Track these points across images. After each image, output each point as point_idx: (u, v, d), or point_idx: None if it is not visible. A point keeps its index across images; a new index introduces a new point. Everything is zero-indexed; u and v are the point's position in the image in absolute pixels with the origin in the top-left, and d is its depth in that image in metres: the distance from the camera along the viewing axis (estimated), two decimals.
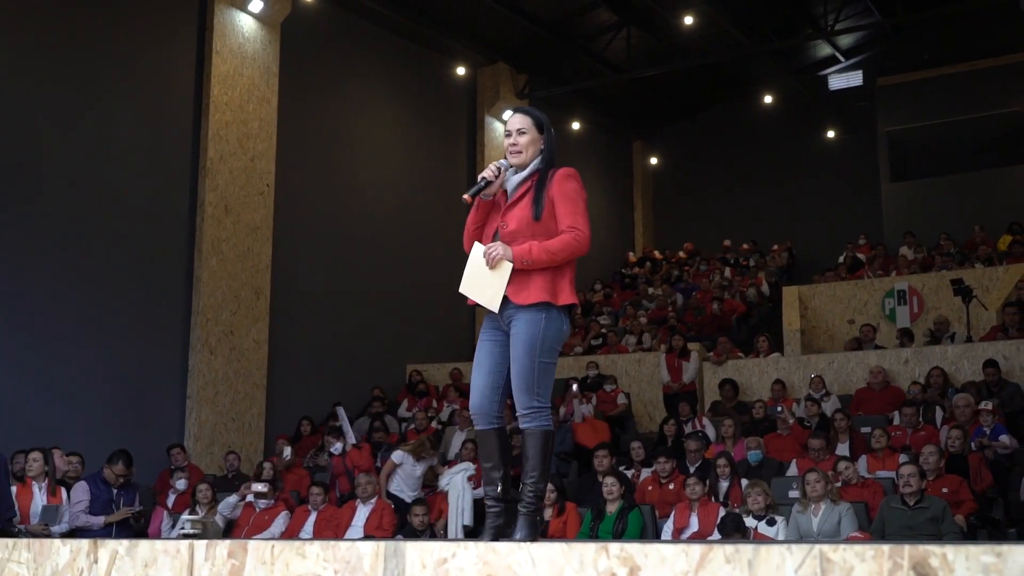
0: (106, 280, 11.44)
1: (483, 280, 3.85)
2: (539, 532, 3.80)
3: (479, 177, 3.90)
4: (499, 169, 3.90)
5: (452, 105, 16.71)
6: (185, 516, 8.95)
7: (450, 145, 16.60)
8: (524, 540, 3.54)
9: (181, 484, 9.96)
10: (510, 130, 3.97)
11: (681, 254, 20.10)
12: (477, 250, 3.90)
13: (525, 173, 3.94)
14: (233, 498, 9.37)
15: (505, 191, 3.95)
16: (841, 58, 19.35)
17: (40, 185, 10.90)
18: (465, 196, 3.92)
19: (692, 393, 12.46)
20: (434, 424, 12.21)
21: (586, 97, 19.30)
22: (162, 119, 12.28)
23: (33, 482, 8.20)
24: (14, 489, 7.88)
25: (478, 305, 3.96)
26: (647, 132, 22.00)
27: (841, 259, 16.78)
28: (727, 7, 15.85)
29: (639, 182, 22.04)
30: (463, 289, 3.93)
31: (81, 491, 8.44)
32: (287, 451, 10.78)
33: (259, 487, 9.27)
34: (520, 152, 3.92)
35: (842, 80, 19.77)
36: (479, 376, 3.92)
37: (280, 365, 13.09)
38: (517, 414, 3.83)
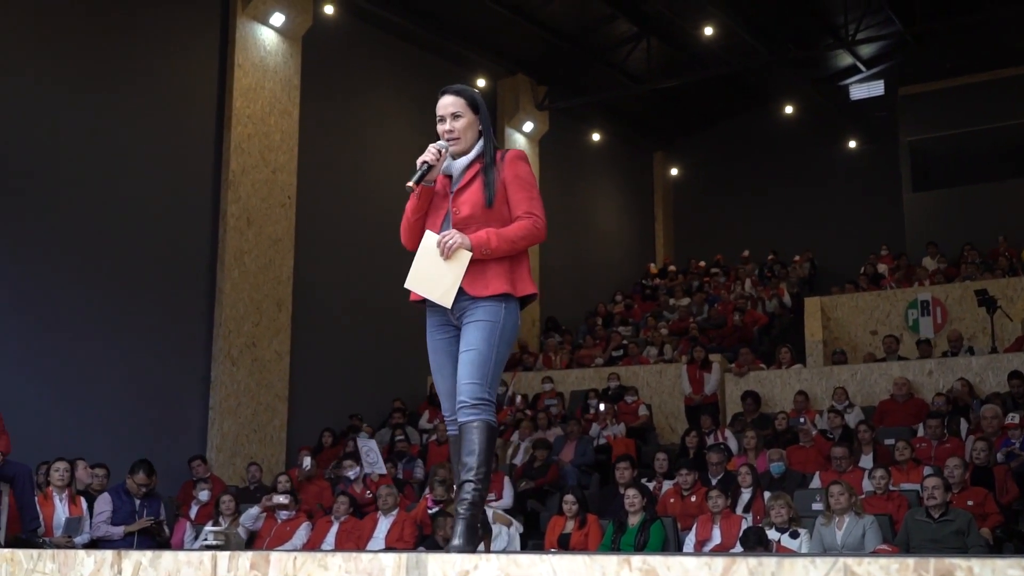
0: (129, 292, 11.51)
1: (436, 273, 3.54)
2: (479, 540, 3.50)
3: (419, 162, 3.59)
4: (440, 151, 3.61)
5: None
6: (208, 527, 8.99)
7: None
8: (462, 550, 3.27)
9: (204, 495, 9.99)
10: (443, 115, 3.67)
11: (702, 263, 20.03)
12: (429, 239, 3.58)
13: (471, 156, 3.67)
14: (255, 509, 9.39)
15: (449, 176, 3.68)
16: (862, 68, 19.28)
17: (63, 198, 10.99)
18: (409, 183, 3.59)
19: (714, 405, 12.42)
20: None
21: (606, 108, 19.30)
22: (184, 132, 12.36)
23: (54, 493, 8.24)
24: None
25: (424, 303, 3.66)
26: (667, 143, 21.98)
27: (863, 270, 16.71)
28: (747, 18, 15.84)
29: (659, 193, 22.02)
30: (410, 284, 3.62)
31: (104, 502, 8.50)
32: (308, 462, 10.80)
33: (281, 498, 9.29)
34: (458, 138, 3.65)
35: (863, 90, 19.70)
36: (445, 380, 3.65)
37: (301, 376, 13.12)
38: (460, 404, 3.51)
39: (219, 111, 12.65)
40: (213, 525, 9.06)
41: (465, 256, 3.50)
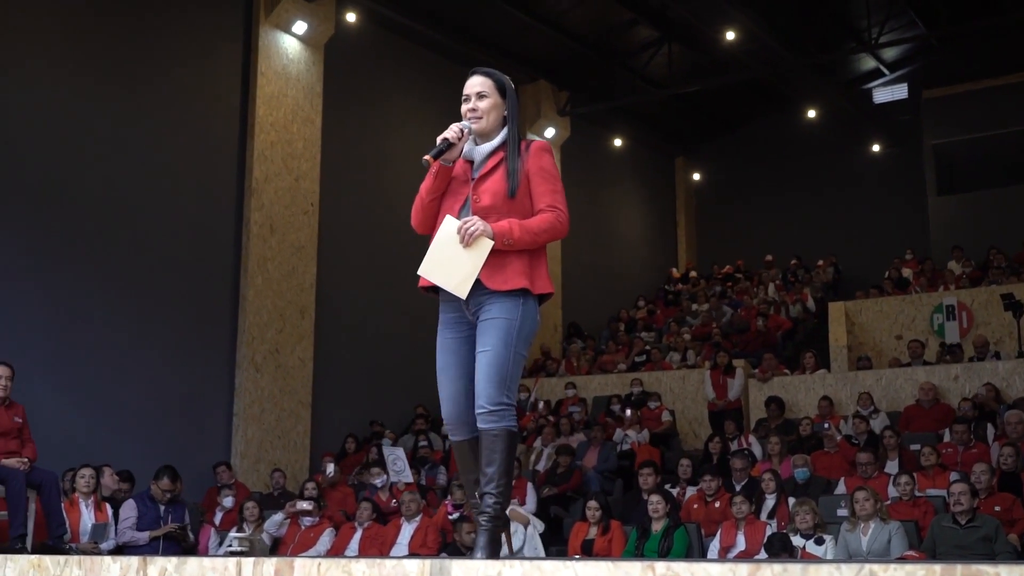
0: (154, 299, 11.58)
1: (453, 260, 3.34)
2: (501, 548, 3.45)
3: (439, 139, 3.45)
4: (462, 131, 3.47)
5: None
6: (232, 533, 9.03)
7: None
8: (488, 558, 3.24)
9: (228, 502, 10.03)
10: (468, 94, 3.54)
11: (728, 268, 19.95)
12: (450, 224, 3.38)
13: (495, 143, 3.52)
14: (279, 515, 9.42)
15: (470, 162, 3.54)
16: (886, 71, 19.19)
17: (88, 206, 11.07)
18: (426, 157, 3.44)
19: (738, 410, 12.37)
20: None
21: (627, 114, 19.29)
22: (208, 140, 12.44)
23: (80, 499, 8.30)
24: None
25: (434, 291, 3.49)
26: (689, 148, 21.94)
27: (887, 274, 16.61)
28: (769, 22, 15.79)
29: (681, 198, 21.97)
30: (424, 271, 3.42)
31: (129, 508, 8.55)
32: (332, 468, 10.83)
33: (305, 504, 9.31)
34: (481, 118, 3.51)
35: (887, 93, 19.60)
36: (449, 383, 3.50)
37: (325, 383, 13.17)
38: (479, 410, 3.37)
39: (242, 119, 12.73)
40: (237, 531, 9.09)
41: (486, 245, 3.32)
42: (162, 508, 8.61)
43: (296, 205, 13.03)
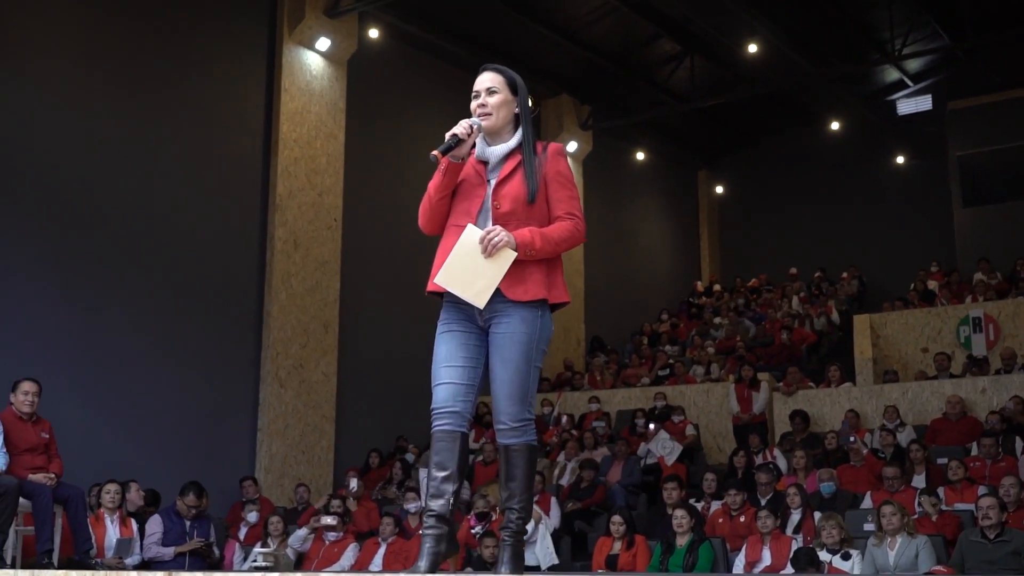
0: (178, 314, 11.65)
1: (474, 269, 3.23)
2: (524, 563, 3.40)
3: (448, 135, 3.32)
4: (471, 127, 3.34)
5: None
6: (257, 549, 9.05)
7: None
8: (512, 573, 3.24)
9: (252, 516, 10.06)
10: (478, 90, 3.43)
11: (754, 281, 19.87)
12: (472, 233, 3.27)
13: (511, 144, 3.41)
14: (303, 531, 9.43)
15: (484, 163, 3.41)
16: (909, 83, 19.08)
17: (113, 221, 11.16)
18: (434, 152, 3.30)
19: (762, 424, 12.30)
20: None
21: (650, 127, 19.27)
22: (232, 156, 12.52)
23: (106, 515, 8.34)
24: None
25: (444, 296, 3.38)
26: (712, 161, 21.90)
27: (912, 286, 16.49)
28: (792, 35, 15.74)
29: (704, 211, 21.92)
30: (442, 279, 3.30)
31: (155, 523, 8.59)
32: (356, 483, 10.84)
33: (329, 519, 9.32)
34: (491, 114, 3.39)
35: (911, 105, 19.48)
36: (451, 371, 3.35)
37: (348, 397, 13.19)
38: (501, 427, 3.30)
39: (266, 135, 12.82)
40: (262, 546, 9.12)
41: (508, 256, 3.22)
42: (188, 523, 8.64)
43: (320, 220, 13.09)
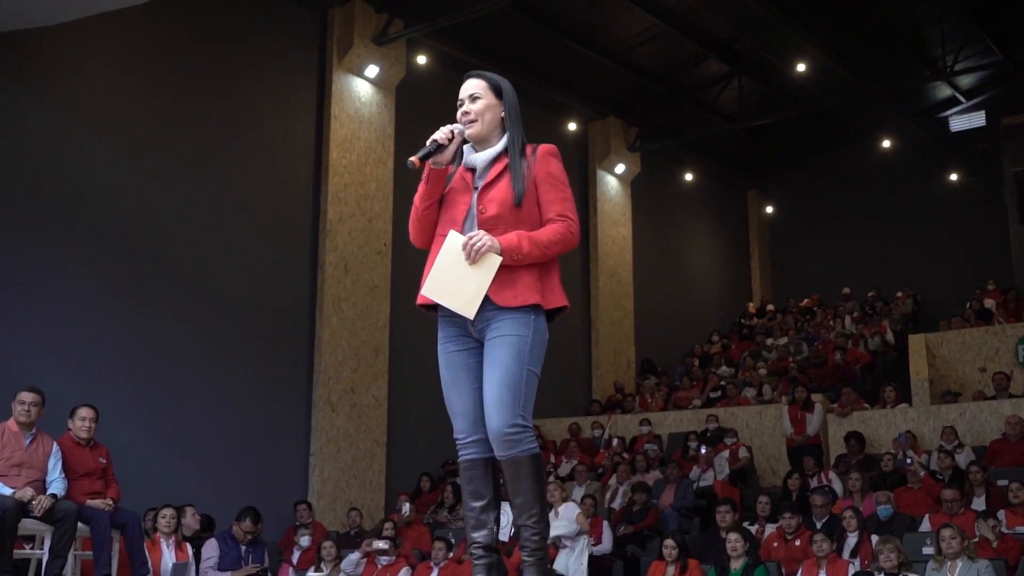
0: (231, 340, 11.78)
1: (459, 279, 3.13)
2: None
3: (428, 141, 3.23)
4: (452, 132, 3.26)
5: (564, 160, 16.78)
6: (310, 573, 9.08)
7: None
8: None
9: (305, 541, 10.11)
10: (462, 98, 3.35)
11: (807, 301, 19.68)
12: (454, 240, 3.16)
13: (498, 148, 3.30)
14: (356, 555, 9.45)
15: (471, 171, 3.31)
16: (962, 99, 18.86)
17: (166, 248, 11.33)
18: (412, 159, 3.19)
19: (816, 446, 12.14)
20: (552, 480, 12.14)
21: (698, 148, 19.21)
22: (283, 183, 12.68)
23: (161, 539, 8.43)
24: None
25: (432, 308, 3.29)
26: (761, 180, 21.77)
27: (969, 305, 16.22)
28: (840, 53, 15.63)
29: (755, 231, 21.78)
30: (428, 291, 3.20)
31: (211, 548, 8.66)
32: (407, 507, 10.85)
33: (380, 544, 9.34)
34: (475, 120, 3.29)
35: (964, 121, 19.26)
36: (462, 397, 3.26)
37: (399, 421, 13.24)
38: (495, 436, 3.13)
39: (316, 162, 12.96)
40: (315, 571, 9.15)
41: (494, 261, 3.10)
42: (243, 548, 8.71)
43: (370, 245, 13.19)
